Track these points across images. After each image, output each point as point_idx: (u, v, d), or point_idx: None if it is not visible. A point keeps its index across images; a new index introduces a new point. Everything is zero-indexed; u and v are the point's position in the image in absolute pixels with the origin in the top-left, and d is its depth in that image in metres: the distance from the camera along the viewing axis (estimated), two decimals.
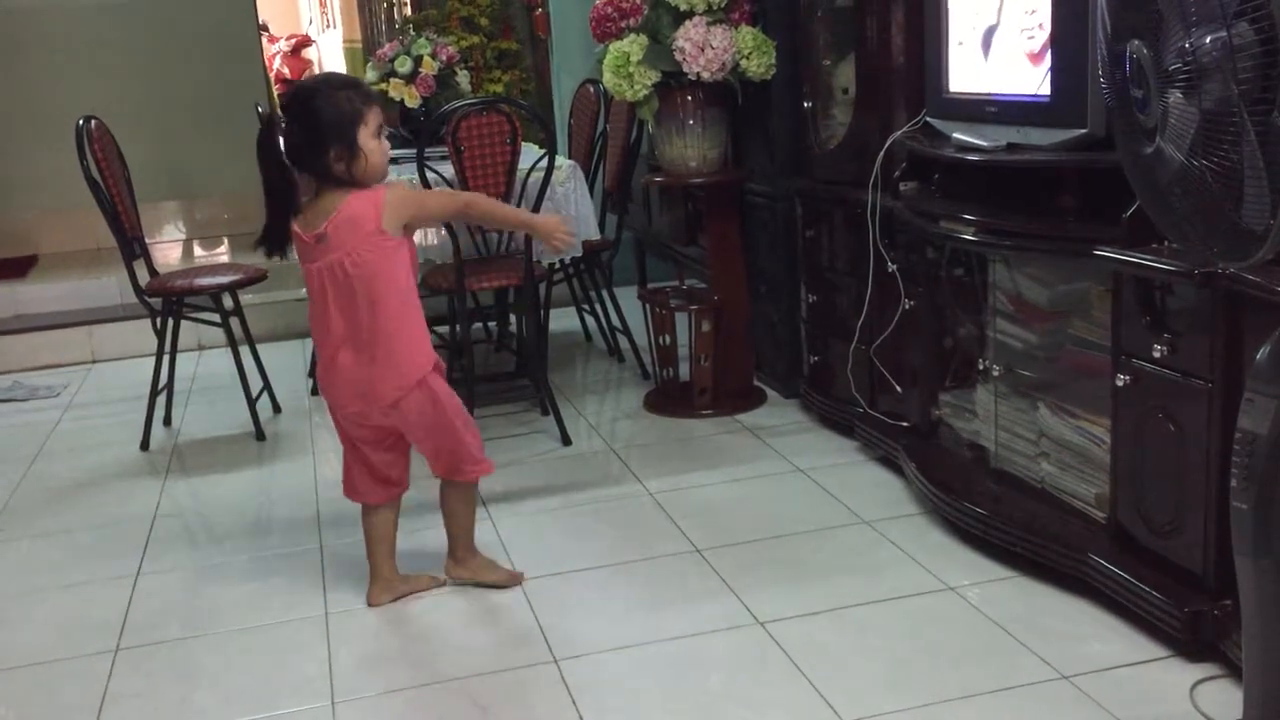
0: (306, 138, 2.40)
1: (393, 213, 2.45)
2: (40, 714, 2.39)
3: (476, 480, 2.71)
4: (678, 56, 3.52)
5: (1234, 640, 2.08)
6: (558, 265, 4.31)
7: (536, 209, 3.61)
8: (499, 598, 2.69)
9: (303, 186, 2.51)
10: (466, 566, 2.75)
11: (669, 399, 3.97)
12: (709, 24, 3.52)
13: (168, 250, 6.62)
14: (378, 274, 2.45)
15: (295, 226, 2.48)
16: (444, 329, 4.13)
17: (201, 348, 5.11)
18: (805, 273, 3.71)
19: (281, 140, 2.44)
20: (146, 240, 4.07)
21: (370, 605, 2.68)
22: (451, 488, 2.70)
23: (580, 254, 3.98)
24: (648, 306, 3.97)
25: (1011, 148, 2.63)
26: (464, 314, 3.72)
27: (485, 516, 3.11)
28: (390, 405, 2.53)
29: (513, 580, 2.75)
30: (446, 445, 2.61)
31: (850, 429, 3.48)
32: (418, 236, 3.58)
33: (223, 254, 6.55)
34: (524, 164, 3.66)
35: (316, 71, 12.00)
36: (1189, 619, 2.20)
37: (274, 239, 2.51)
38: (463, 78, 4.71)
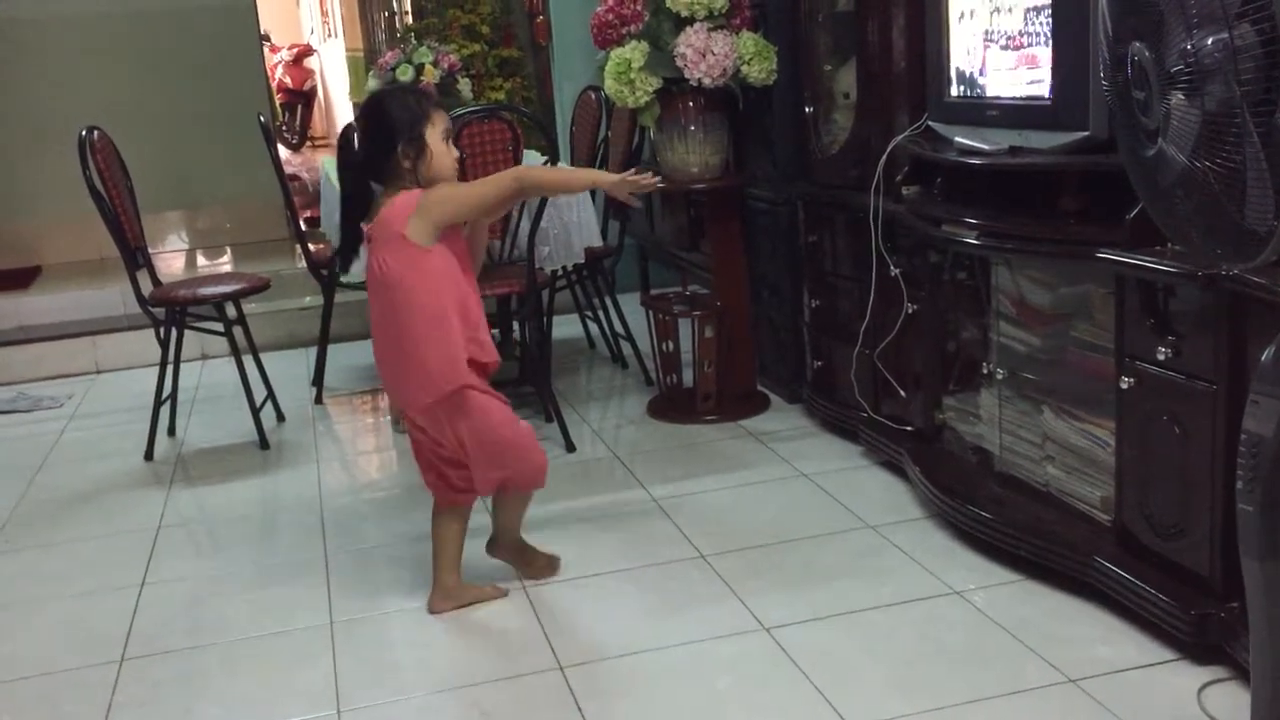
0: (376, 136, 2.47)
1: (423, 216, 2.43)
2: None
3: (528, 489, 2.70)
4: (679, 63, 3.52)
5: (1241, 643, 2.07)
6: (560, 272, 4.31)
7: (538, 216, 3.62)
8: (503, 605, 2.69)
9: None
10: (510, 552, 2.78)
11: (672, 405, 3.97)
12: (710, 30, 3.52)
13: (171, 260, 6.62)
14: (399, 283, 2.45)
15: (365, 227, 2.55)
16: None
17: (205, 357, 5.11)
18: (808, 277, 3.71)
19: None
20: (150, 250, 4.08)
21: (431, 612, 2.67)
22: (503, 492, 2.70)
23: (582, 260, 3.98)
24: (650, 312, 3.97)
25: (1013, 151, 2.63)
26: None
27: (490, 525, 3.11)
28: (418, 413, 2.55)
29: (550, 567, 2.79)
30: (486, 472, 2.57)
31: (854, 434, 3.47)
32: None
33: (226, 263, 6.55)
34: None
35: (319, 82, 12.04)
36: (1196, 622, 2.19)
37: (346, 249, 2.58)
38: (464, 85, 4.71)
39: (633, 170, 2.67)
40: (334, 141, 11.94)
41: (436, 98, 2.64)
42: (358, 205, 2.53)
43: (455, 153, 2.53)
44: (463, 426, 2.50)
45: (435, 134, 2.47)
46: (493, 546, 2.79)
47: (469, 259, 2.56)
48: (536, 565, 2.79)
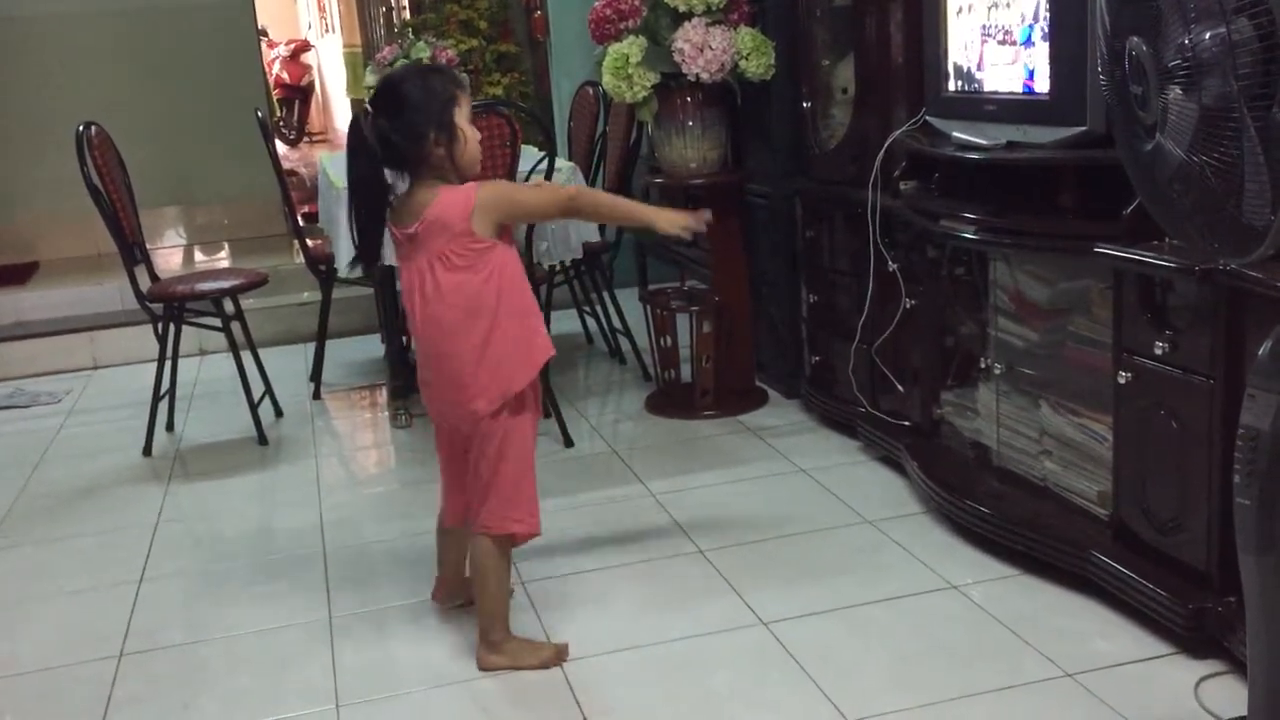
0: (403, 126, 2.24)
1: (485, 213, 2.26)
2: None
3: (500, 535, 2.39)
4: (677, 58, 3.52)
5: (1238, 637, 2.07)
6: (558, 267, 4.31)
7: None
8: None
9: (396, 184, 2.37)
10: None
11: (671, 400, 3.97)
12: (708, 25, 3.52)
13: (169, 255, 6.62)
14: (463, 285, 2.27)
15: (389, 224, 2.35)
16: None
17: (203, 353, 5.11)
18: (806, 273, 3.71)
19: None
20: (147, 246, 4.08)
21: (481, 669, 2.41)
22: (475, 539, 2.42)
23: (580, 255, 3.98)
24: (648, 308, 3.97)
25: (1011, 146, 2.63)
26: None
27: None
28: (482, 417, 2.35)
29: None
30: (502, 485, 2.38)
31: (852, 429, 3.48)
32: None
33: (224, 259, 6.56)
34: (524, 166, 3.65)
35: (316, 77, 12.02)
36: (1193, 616, 2.20)
37: (370, 249, 2.35)
38: None
39: (694, 214, 2.44)
40: (331, 137, 11.96)
41: (456, 73, 2.42)
42: (379, 200, 2.32)
43: (478, 134, 2.35)
44: (499, 447, 2.34)
45: (464, 116, 2.29)
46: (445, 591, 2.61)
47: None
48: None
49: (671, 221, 2.41)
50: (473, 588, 2.47)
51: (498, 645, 2.40)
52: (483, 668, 2.39)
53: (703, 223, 2.43)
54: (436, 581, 2.67)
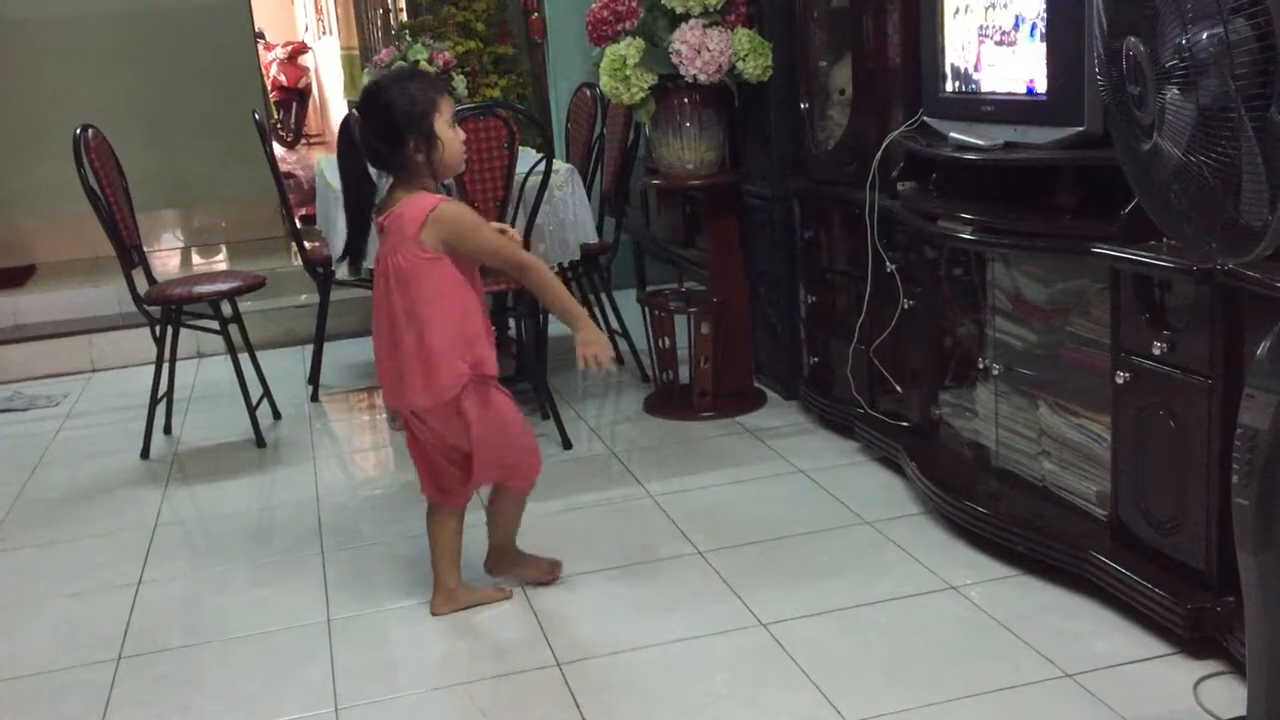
0: (384, 132, 2.38)
1: (436, 227, 2.39)
2: None
3: (525, 490, 2.66)
4: (674, 59, 3.52)
5: (1237, 636, 2.07)
6: (556, 269, 4.30)
7: (534, 213, 3.61)
8: (500, 603, 2.68)
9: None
10: (512, 564, 2.75)
11: (669, 401, 3.97)
12: (705, 26, 3.52)
13: (166, 258, 6.62)
14: (410, 283, 2.40)
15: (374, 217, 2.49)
16: None
17: (201, 355, 5.10)
18: (804, 274, 3.71)
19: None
20: (145, 249, 4.07)
21: (433, 614, 2.65)
22: (500, 492, 2.67)
23: (578, 256, 3.98)
24: (647, 309, 3.97)
25: (1009, 146, 2.63)
26: None
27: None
28: (416, 412, 2.51)
29: (553, 571, 2.76)
30: (488, 460, 2.54)
31: (850, 429, 3.48)
32: None
33: (221, 261, 6.55)
34: (521, 168, 3.66)
35: (313, 79, 12.02)
36: (1192, 615, 2.20)
37: (356, 249, 2.50)
38: (459, 83, 4.70)
39: (604, 343, 2.55)
40: (329, 139, 11.96)
41: (436, 79, 2.55)
42: (362, 200, 2.47)
43: (462, 135, 2.47)
44: (479, 415, 2.47)
45: (444, 122, 2.40)
46: (493, 564, 2.76)
47: (475, 269, 2.50)
48: (539, 570, 2.76)
49: (589, 343, 2.50)
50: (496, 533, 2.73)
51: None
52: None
53: (605, 366, 2.53)
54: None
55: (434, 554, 2.67)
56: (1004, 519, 2.67)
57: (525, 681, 2.36)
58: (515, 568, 2.76)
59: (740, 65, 3.54)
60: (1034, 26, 2.53)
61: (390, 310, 2.44)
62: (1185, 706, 2.10)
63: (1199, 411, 2.18)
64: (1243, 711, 1.85)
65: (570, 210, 3.93)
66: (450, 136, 2.42)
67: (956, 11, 2.80)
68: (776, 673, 2.32)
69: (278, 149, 8.85)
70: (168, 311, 3.92)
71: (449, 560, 2.66)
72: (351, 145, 2.43)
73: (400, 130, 2.36)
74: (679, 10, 3.52)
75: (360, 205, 2.48)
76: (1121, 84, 1.78)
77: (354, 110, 2.44)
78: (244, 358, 4.04)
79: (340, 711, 2.31)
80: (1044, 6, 2.47)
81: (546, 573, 2.76)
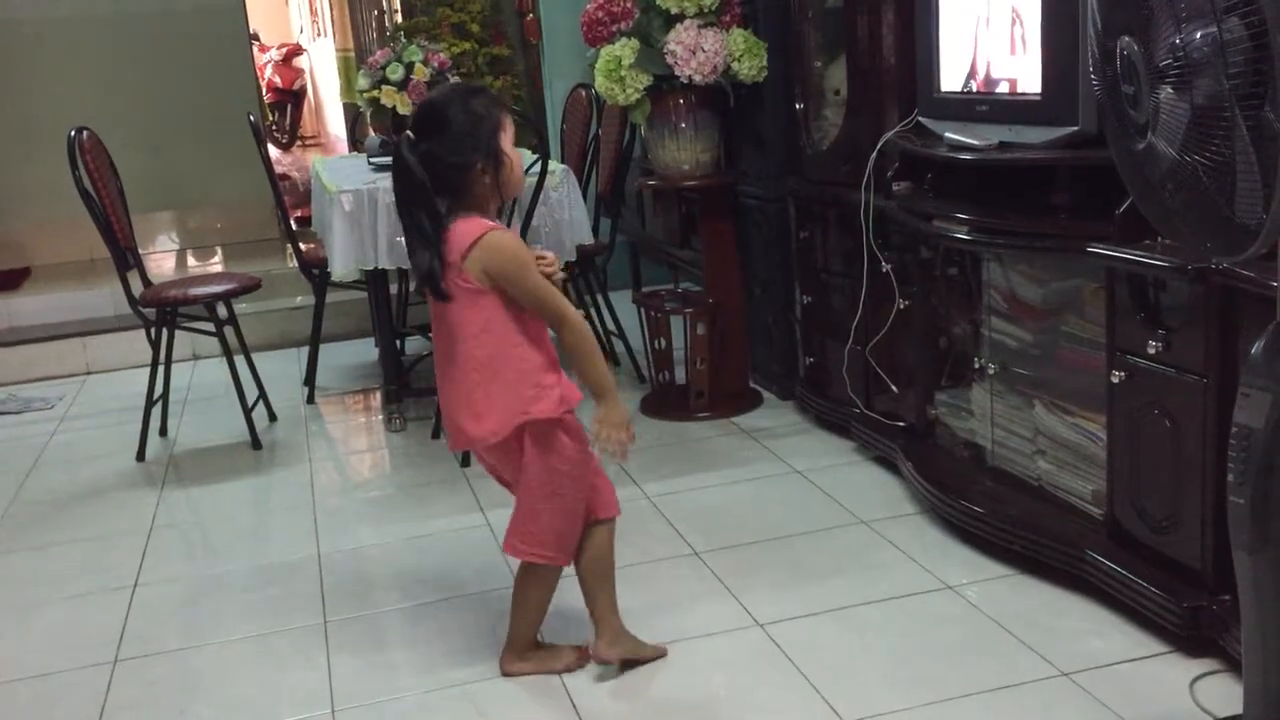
0: (450, 153, 2.15)
1: (484, 254, 2.15)
2: None
3: (536, 563, 2.32)
4: (669, 60, 3.52)
5: (1233, 635, 2.08)
6: None
7: (530, 214, 3.61)
8: (498, 603, 2.68)
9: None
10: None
11: (665, 402, 3.97)
12: (700, 27, 3.52)
13: (161, 260, 6.61)
14: (449, 310, 2.20)
15: None
16: None
17: (196, 357, 5.09)
18: (800, 274, 3.71)
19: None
20: (140, 251, 4.06)
21: (502, 674, 2.40)
22: (527, 569, 2.36)
23: (574, 257, 3.98)
24: (643, 310, 3.97)
25: (1003, 146, 2.63)
26: None
27: (484, 524, 3.11)
28: (484, 448, 2.30)
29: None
30: (520, 512, 2.31)
31: (847, 430, 3.48)
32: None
33: (216, 263, 6.54)
34: None
35: (308, 81, 12.01)
36: (1188, 614, 2.20)
37: (436, 274, 2.19)
38: None
39: (627, 427, 2.27)
40: (324, 141, 11.95)
41: (497, 95, 2.31)
42: (439, 224, 2.17)
43: (520, 154, 2.26)
44: (532, 460, 2.24)
45: (509, 140, 2.20)
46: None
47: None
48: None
49: (611, 424, 2.24)
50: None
51: (521, 654, 2.40)
52: (505, 673, 2.40)
53: (626, 451, 2.27)
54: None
55: (517, 607, 2.39)
56: (1000, 518, 2.68)
57: (522, 682, 2.36)
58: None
59: (735, 66, 3.55)
60: (1029, 26, 2.53)
61: (441, 337, 2.26)
62: (1181, 705, 2.10)
63: (1194, 410, 2.18)
64: (1239, 709, 1.85)
65: (566, 211, 3.92)
66: (516, 156, 2.22)
67: (951, 11, 2.80)
68: (773, 673, 2.32)
69: (273, 151, 8.84)
70: (163, 314, 3.92)
71: (534, 620, 2.40)
72: (407, 172, 2.16)
73: (469, 150, 2.15)
74: (674, 11, 3.52)
75: (436, 221, 2.18)
76: (1116, 83, 1.78)
77: (408, 133, 2.19)
78: (239, 360, 4.04)
79: (337, 713, 2.31)
80: (1039, 6, 2.48)
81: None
